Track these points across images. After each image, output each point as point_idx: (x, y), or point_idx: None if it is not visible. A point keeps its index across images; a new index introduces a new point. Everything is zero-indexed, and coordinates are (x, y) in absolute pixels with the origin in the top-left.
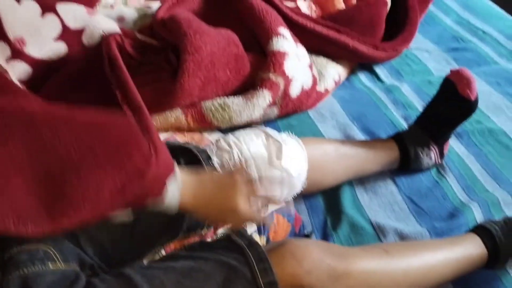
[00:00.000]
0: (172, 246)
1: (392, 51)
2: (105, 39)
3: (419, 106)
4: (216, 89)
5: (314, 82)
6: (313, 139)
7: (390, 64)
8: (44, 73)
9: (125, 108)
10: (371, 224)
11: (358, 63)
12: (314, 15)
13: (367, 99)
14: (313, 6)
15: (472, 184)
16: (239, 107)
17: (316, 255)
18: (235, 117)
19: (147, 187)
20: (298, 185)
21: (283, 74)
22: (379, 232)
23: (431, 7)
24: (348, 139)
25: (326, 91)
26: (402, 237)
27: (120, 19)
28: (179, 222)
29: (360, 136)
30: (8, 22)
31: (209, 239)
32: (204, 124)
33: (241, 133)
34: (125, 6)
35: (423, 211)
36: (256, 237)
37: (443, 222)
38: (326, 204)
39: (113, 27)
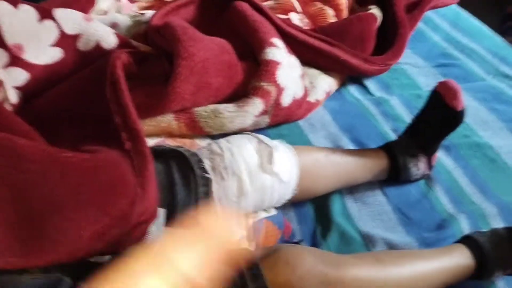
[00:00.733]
0: None
1: (382, 65)
2: (112, 58)
3: (408, 118)
4: (208, 95)
5: (305, 93)
6: (304, 147)
7: (379, 78)
8: (41, 78)
9: (123, 136)
10: (360, 233)
11: (348, 76)
12: (306, 27)
13: (357, 111)
14: (305, 19)
15: (459, 196)
16: (231, 114)
17: (309, 262)
18: (227, 124)
19: (129, 231)
20: (289, 191)
21: (275, 82)
22: (368, 241)
23: (420, 24)
24: (339, 148)
25: (317, 101)
26: (390, 247)
27: (114, 26)
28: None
29: (350, 147)
30: (6, 28)
31: None
32: (195, 130)
33: (233, 138)
34: (118, 13)
35: (411, 221)
36: (245, 243)
37: (431, 233)
38: (316, 213)
39: (110, 34)
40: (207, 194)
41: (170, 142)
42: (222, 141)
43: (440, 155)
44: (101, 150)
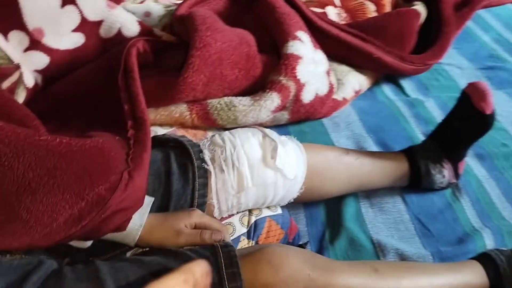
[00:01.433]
0: None
1: (420, 65)
2: (127, 45)
3: None
4: (223, 87)
5: (331, 90)
6: (316, 146)
7: (417, 78)
8: (62, 63)
9: (129, 124)
10: (372, 241)
11: (384, 75)
12: (343, 22)
13: (387, 111)
14: (343, 14)
15: (488, 209)
16: (245, 108)
17: (295, 264)
18: (240, 118)
19: (108, 217)
20: (295, 189)
21: (294, 78)
22: (379, 250)
23: (470, 23)
24: (355, 149)
25: (344, 100)
26: (402, 258)
27: (147, 14)
28: None
29: (373, 149)
30: (28, 12)
31: None
32: (208, 122)
33: (237, 131)
34: (154, 2)
35: (430, 233)
36: (245, 241)
37: (449, 247)
38: (327, 215)
39: (133, 22)
40: (205, 185)
41: (182, 133)
42: (225, 133)
43: (472, 164)
44: (101, 136)
